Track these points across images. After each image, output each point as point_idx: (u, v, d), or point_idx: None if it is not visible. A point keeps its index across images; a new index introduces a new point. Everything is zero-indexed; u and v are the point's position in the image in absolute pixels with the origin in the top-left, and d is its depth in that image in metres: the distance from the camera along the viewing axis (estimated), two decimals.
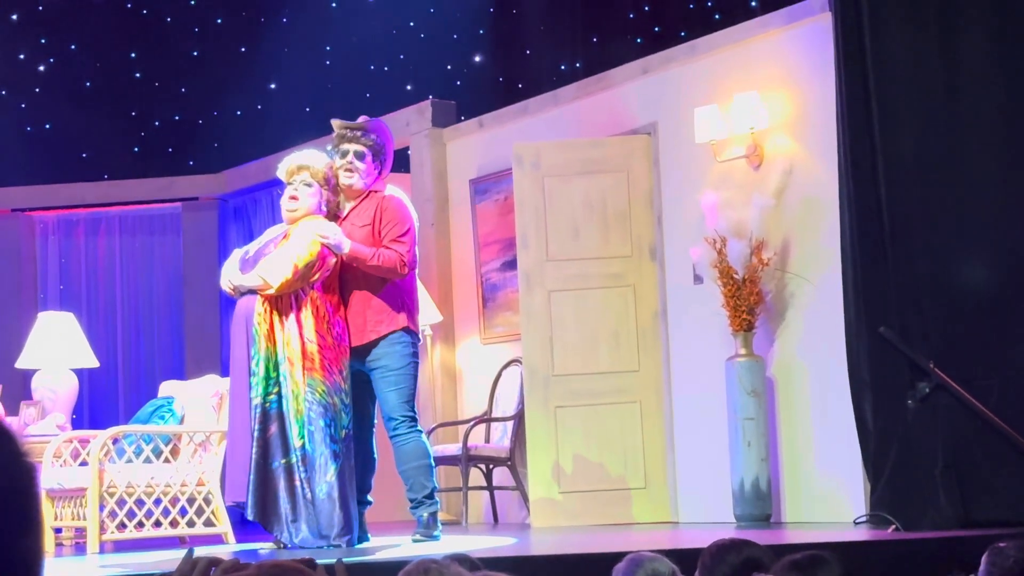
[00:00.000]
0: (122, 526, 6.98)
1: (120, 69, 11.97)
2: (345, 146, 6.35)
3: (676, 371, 7.90)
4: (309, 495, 6.00)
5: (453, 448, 8.37)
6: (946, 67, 6.44)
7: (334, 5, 12.03)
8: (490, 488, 8.59)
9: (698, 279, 7.68)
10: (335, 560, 2.70)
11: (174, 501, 7.14)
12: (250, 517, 6.08)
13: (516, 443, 8.34)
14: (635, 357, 7.96)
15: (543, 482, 7.91)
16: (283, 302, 6.11)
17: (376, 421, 6.46)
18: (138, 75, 12.05)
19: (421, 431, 6.34)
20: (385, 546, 6.18)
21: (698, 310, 7.69)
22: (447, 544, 6.15)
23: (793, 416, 7.29)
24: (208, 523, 7.19)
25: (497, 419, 8.57)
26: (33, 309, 10.47)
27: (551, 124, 8.66)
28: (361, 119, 6.43)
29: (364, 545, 6.21)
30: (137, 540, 7.08)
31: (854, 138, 6.49)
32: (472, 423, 8.47)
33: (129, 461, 7.08)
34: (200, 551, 2.50)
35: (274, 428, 6.04)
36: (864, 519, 6.56)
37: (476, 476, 8.57)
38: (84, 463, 7.11)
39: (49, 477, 7.14)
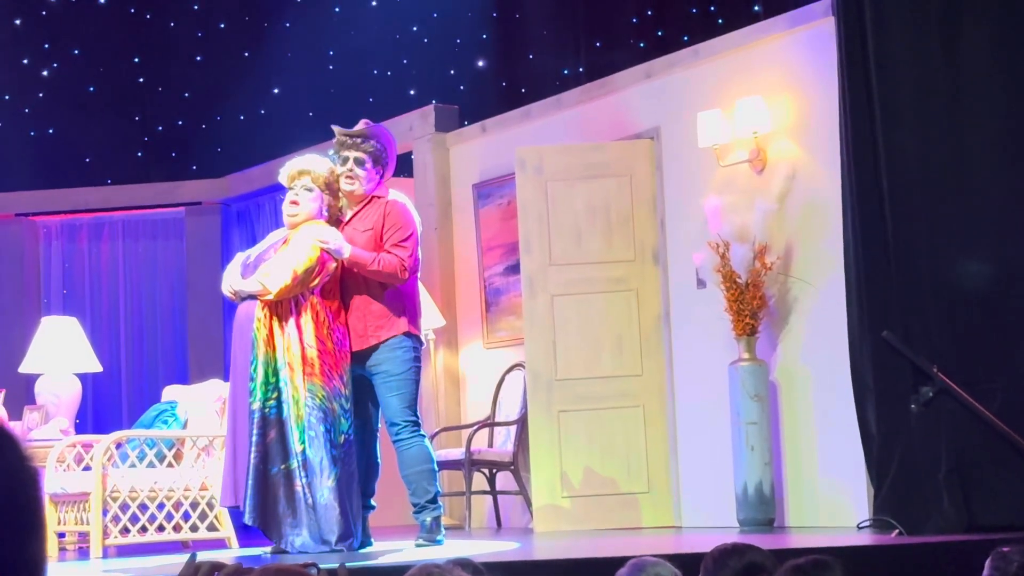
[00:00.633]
0: (125, 531, 6.98)
1: (123, 74, 11.99)
2: (345, 153, 6.34)
3: (679, 375, 7.90)
4: (310, 500, 6.00)
5: (456, 452, 8.37)
6: (949, 71, 6.44)
7: (337, 10, 12.04)
8: (493, 492, 8.58)
9: (701, 283, 7.68)
10: (338, 565, 2.70)
11: (177, 506, 7.14)
12: (248, 522, 6.07)
13: (519, 447, 8.34)
14: (638, 361, 7.96)
15: (546, 486, 7.90)
16: (283, 307, 6.10)
17: (379, 426, 6.45)
18: (141, 80, 12.07)
19: (424, 435, 6.34)
20: (388, 550, 6.18)
21: (701, 314, 7.69)
22: (450, 549, 6.15)
23: (796, 420, 7.29)
24: (211, 528, 7.19)
25: (500, 423, 8.57)
26: (36, 314, 10.47)
27: (554, 129, 8.66)
28: (362, 123, 6.42)
29: (367, 550, 6.20)
30: (140, 545, 7.08)
31: (857, 142, 6.49)
32: (475, 427, 8.47)
33: (132, 466, 7.08)
34: (203, 556, 2.50)
35: (273, 433, 6.03)
36: (867, 523, 6.55)
37: (479, 480, 8.57)
38: (87, 468, 7.11)
39: (52, 482, 7.14)
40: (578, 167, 8.08)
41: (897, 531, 6.10)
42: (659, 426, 7.93)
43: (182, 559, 6.50)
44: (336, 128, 6.43)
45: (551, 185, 8.08)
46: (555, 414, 7.94)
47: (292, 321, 6.08)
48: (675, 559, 3.21)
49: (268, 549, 6.26)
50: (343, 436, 6.08)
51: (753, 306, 7.23)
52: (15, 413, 8.69)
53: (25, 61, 11.87)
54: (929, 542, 5.78)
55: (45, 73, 11.91)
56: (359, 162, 6.32)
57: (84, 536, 7.31)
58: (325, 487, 6.00)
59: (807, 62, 7.29)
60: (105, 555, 6.85)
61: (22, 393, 9.53)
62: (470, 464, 8.26)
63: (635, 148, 8.12)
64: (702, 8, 11.76)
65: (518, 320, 8.49)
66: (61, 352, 8.71)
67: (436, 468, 6.37)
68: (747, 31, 7.73)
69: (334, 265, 6.17)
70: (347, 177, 6.32)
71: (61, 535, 7.44)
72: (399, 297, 6.28)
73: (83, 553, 7.32)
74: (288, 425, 6.03)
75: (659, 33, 11.76)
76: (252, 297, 6.14)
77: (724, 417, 7.35)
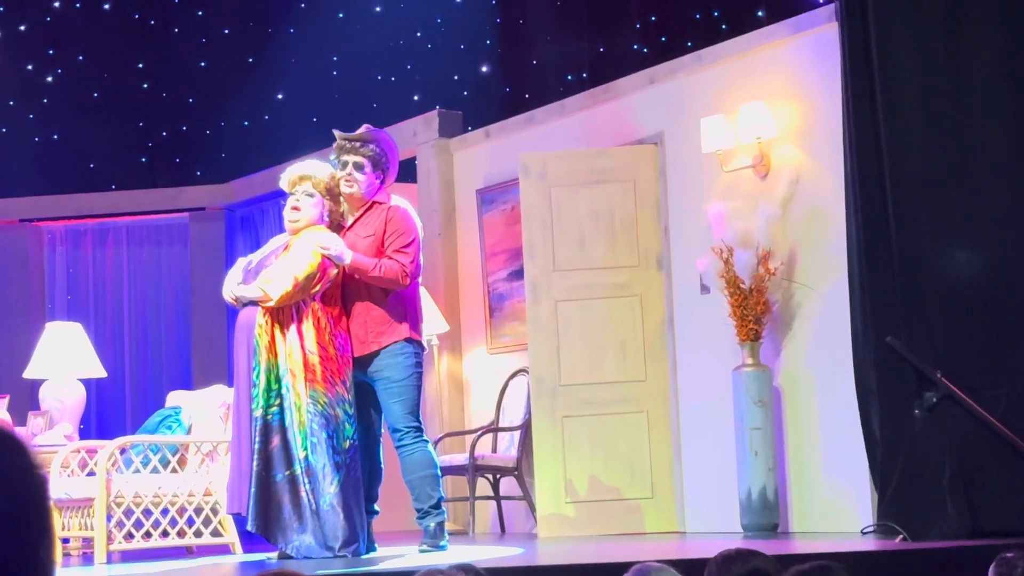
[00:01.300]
0: (129, 536, 6.99)
1: (128, 80, 12.00)
2: (345, 157, 6.37)
3: (683, 381, 7.90)
4: (314, 506, 6.00)
5: (460, 458, 8.37)
6: (953, 76, 6.45)
7: (341, 16, 12.05)
8: (497, 498, 8.58)
9: (705, 289, 7.68)
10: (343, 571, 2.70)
11: (181, 511, 7.14)
12: (250, 529, 6.07)
13: (523, 453, 8.34)
14: (642, 367, 7.96)
15: (550, 492, 7.90)
16: (284, 314, 6.11)
17: (382, 431, 6.46)
18: (145, 86, 12.08)
19: (427, 441, 6.34)
20: (392, 556, 6.18)
21: (705, 320, 7.69)
22: (454, 554, 6.16)
23: (800, 426, 7.29)
24: (215, 533, 7.19)
25: (504, 429, 8.57)
26: (41, 319, 10.49)
27: (558, 134, 8.67)
28: (363, 128, 6.44)
29: (371, 555, 6.20)
30: (144, 550, 7.08)
31: (861, 148, 6.49)
32: (479, 433, 8.47)
33: (136, 471, 7.09)
34: (207, 561, 2.50)
35: (276, 440, 6.03)
36: (871, 529, 6.55)
37: (483, 486, 8.57)
38: (91, 473, 7.12)
39: (56, 487, 7.15)
40: (582, 172, 8.08)
41: (901, 536, 6.09)
42: (663, 431, 7.93)
43: (186, 564, 6.50)
44: (336, 132, 6.45)
45: (555, 191, 8.09)
46: (559, 419, 7.94)
47: (293, 327, 6.08)
48: (679, 564, 3.22)
49: (273, 555, 6.26)
50: (347, 442, 6.08)
51: (757, 311, 7.23)
52: (19, 418, 8.70)
53: (30, 67, 11.89)
54: (933, 547, 5.78)
55: (49, 79, 11.92)
56: (358, 166, 6.33)
57: (88, 542, 7.32)
58: (328, 493, 6.00)
59: (810, 68, 7.29)
60: (109, 560, 6.85)
61: (26, 398, 9.54)
62: (474, 469, 8.26)
63: (639, 153, 8.13)
64: (705, 14, 11.76)
65: (522, 325, 8.50)
66: (65, 357, 8.72)
67: (439, 473, 6.37)
68: (750, 37, 7.74)
69: (335, 271, 6.17)
70: (346, 181, 6.33)
71: (65, 540, 7.45)
72: (400, 303, 6.28)
73: (87, 559, 7.32)
74: (291, 431, 6.03)
75: (663, 39, 11.77)
76: (253, 303, 6.15)
77: (728, 422, 7.35)
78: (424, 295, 8.71)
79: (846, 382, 6.63)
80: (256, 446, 5.99)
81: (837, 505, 7.05)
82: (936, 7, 6.48)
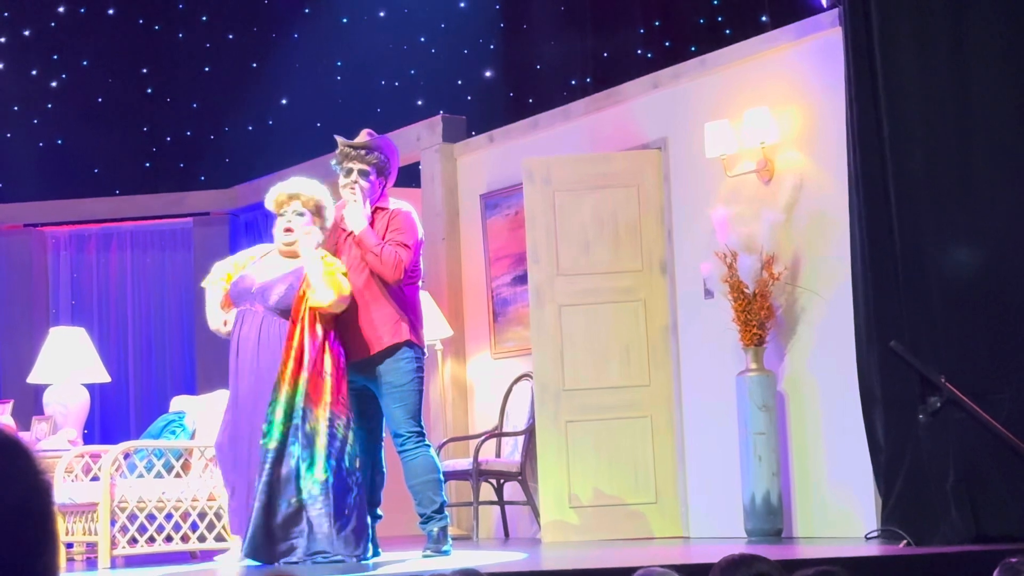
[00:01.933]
0: (133, 541, 6.99)
1: (132, 85, 12.02)
2: (348, 164, 6.36)
3: (687, 385, 7.89)
4: (325, 529, 5.95)
5: (464, 463, 8.37)
6: (957, 81, 6.44)
7: (345, 21, 12.07)
8: (501, 503, 8.58)
9: (708, 294, 7.68)
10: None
11: (185, 516, 7.14)
12: (245, 555, 6.01)
13: (527, 458, 8.34)
14: (646, 372, 7.96)
15: (554, 497, 7.90)
16: (306, 336, 6.06)
17: (384, 435, 6.46)
18: (150, 91, 12.10)
19: (429, 445, 6.33)
20: (395, 561, 6.18)
21: (709, 324, 7.69)
22: (457, 559, 6.15)
23: (804, 431, 7.29)
24: (219, 538, 7.19)
25: (508, 434, 8.57)
26: (45, 324, 10.50)
27: (561, 139, 8.67)
28: (364, 134, 6.44)
29: (374, 560, 6.20)
30: (148, 555, 7.08)
31: (864, 152, 6.49)
32: (483, 438, 8.47)
33: (140, 476, 7.09)
34: (210, 566, 2.50)
35: (285, 469, 5.98)
36: (875, 534, 6.54)
37: (487, 491, 8.57)
38: (95, 478, 7.12)
39: (60, 492, 7.15)
40: (586, 177, 8.09)
41: (905, 541, 6.09)
42: (667, 436, 7.92)
43: (189, 570, 6.49)
44: (339, 139, 6.43)
45: (559, 195, 8.09)
46: (563, 424, 7.94)
47: (312, 349, 6.05)
48: (683, 569, 3.21)
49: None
50: (358, 460, 6.07)
51: (761, 316, 7.23)
52: (23, 423, 8.70)
53: (34, 72, 11.90)
54: (937, 552, 5.78)
55: (54, 84, 11.94)
56: (363, 173, 6.33)
57: (92, 546, 7.32)
58: (345, 515, 5.97)
59: (814, 73, 7.29)
60: (113, 565, 6.85)
61: (30, 403, 9.55)
62: (478, 474, 8.26)
63: (642, 158, 8.13)
64: (709, 19, 11.77)
65: (526, 330, 8.50)
66: (69, 362, 8.72)
67: (442, 478, 6.36)
68: (754, 41, 7.74)
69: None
70: (350, 188, 6.33)
71: (69, 545, 7.45)
72: (401, 306, 6.28)
73: (91, 563, 7.32)
74: (304, 457, 5.97)
75: (666, 43, 11.78)
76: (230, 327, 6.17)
77: (732, 427, 7.35)
78: (428, 300, 8.74)
79: (850, 387, 6.63)
80: (265, 477, 5.94)
81: (841, 510, 7.04)
82: (940, 12, 6.48)
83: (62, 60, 11.97)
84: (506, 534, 8.59)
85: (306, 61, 11.92)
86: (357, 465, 6.04)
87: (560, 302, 8.01)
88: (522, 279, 8.57)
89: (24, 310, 10.99)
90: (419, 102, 11.64)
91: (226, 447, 6.17)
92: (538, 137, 8.85)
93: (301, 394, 5.99)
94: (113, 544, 6.88)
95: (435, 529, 6.25)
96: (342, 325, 6.23)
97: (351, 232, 6.36)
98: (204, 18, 12.16)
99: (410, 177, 9.85)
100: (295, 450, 5.97)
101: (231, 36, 12.19)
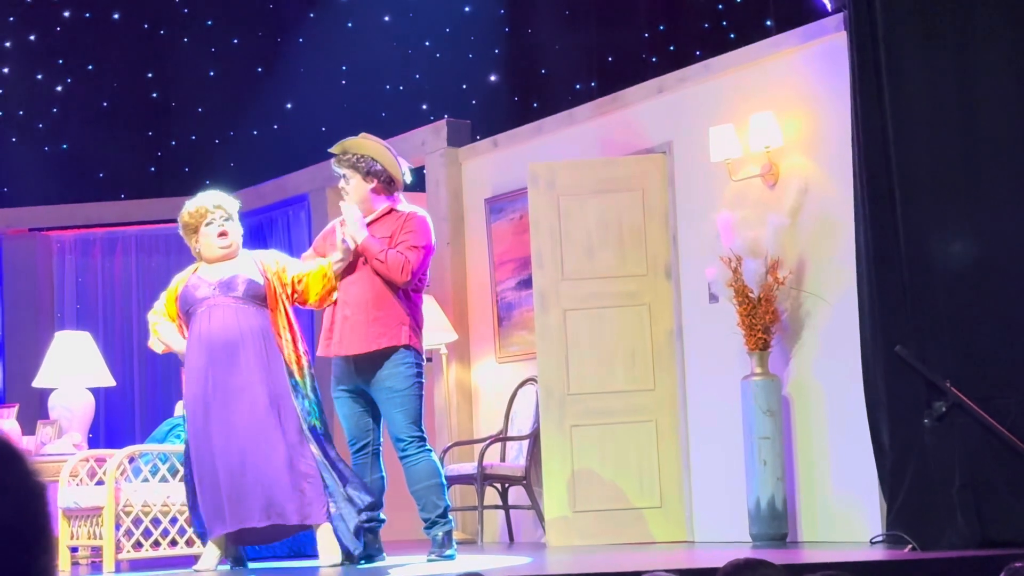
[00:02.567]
0: (138, 545, 6.99)
1: (137, 89, 12.03)
2: (336, 170, 6.51)
3: (691, 390, 7.89)
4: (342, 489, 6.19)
5: (468, 467, 8.37)
6: (963, 85, 6.44)
7: (350, 25, 12.07)
8: (505, 507, 8.58)
9: (713, 298, 7.67)
10: None
11: (190, 520, 7.14)
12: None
13: (531, 462, 8.33)
14: (650, 376, 7.96)
15: (558, 501, 7.90)
16: (284, 321, 6.20)
17: (382, 439, 6.46)
18: (155, 95, 12.11)
19: (430, 450, 6.33)
20: (400, 564, 6.18)
21: (713, 329, 7.69)
22: (462, 563, 6.15)
23: (809, 435, 7.28)
24: None
25: (512, 438, 8.56)
26: (50, 328, 10.50)
27: (566, 143, 8.67)
28: (360, 136, 6.51)
29: (379, 564, 6.21)
30: (153, 559, 7.08)
31: (869, 157, 6.49)
32: (488, 442, 8.47)
33: (145, 480, 7.09)
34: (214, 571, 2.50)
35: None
36: (881, 539, 6.53)
37: (491, 495, 8.57)
38: (100, 482, 7.12)
39: (65, 496, 7.16)
40: (590, 182, 8.09)
41: (910, 546, 6.08)
42: (671, 441, 7.92)
43: (194, 574, 6.48)
44: (331, 149, 6.56)
45: (563, 200, 8.09)
46: (567, 429, 7.93)
47: (292, 332, 6.25)
48: (687, 574, 3.21)
49: (281, 564, 6.25)
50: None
51: (765, 321, 7.22)
52: (29, 427, 8.71)
53: (39, 76, 11.92)
54: (942, 557, 5.77)
55: (59, 88, 11.95)
56: (346, 178, 6.44)
57: (97, 551, 7.32)
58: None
59: (819, 77, 7.29)
60: (118, 569, 6.85)
61: (35, 407, 9.56)
62: (482, 479, 8.26)
63: (647, 163, 8.13)
64: (714, 23, 11.77)
65: (530, 335, 8.50)
66: (74, 367, 8.73)
67: (445, 482, 6.37)
68: (759, 46, 7.74)
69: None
70: (343, 191, 6.42)
71: (74, 549, 7.45)
72: (404, 309, 6.29)
73: (96, 568, 7.33)
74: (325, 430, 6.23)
75: (671, 48, 11.78)
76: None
77: (737, 432, 7.34)
78: (433, 304, 8.74)
79: (855, 391, 6.62)
80: (329, 452, 6.17)
81: (846, 515, 7.03)
82: (945, 16, 6.48)
83: (67, 65, 11.98)
84: (511, 538, 8.59)
85: (311, 66, 11.93)
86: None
87: (565, 306, 8.01)
88: (527, 283, 8.57)
89: (29, 314, 11.00)
90: (424, 106, 11.65)
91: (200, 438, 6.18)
92: (543, 141, 8.86)
93: (304, 372, 6.21)
94: (118, 548, 6.88)
95: (439, 533, 6.25)
96: (344, 321, 6.26)
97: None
98: (209, 23, 12.17)
99: (415, 182, 9.84)
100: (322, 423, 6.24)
101: (236, 41, 12.20)
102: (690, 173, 7.93)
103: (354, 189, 6.40)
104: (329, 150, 6.53)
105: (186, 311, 6.30)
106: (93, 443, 9.27)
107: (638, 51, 11.86)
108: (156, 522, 7.04)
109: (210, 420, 6.10)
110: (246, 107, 11.73)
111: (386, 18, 12.11)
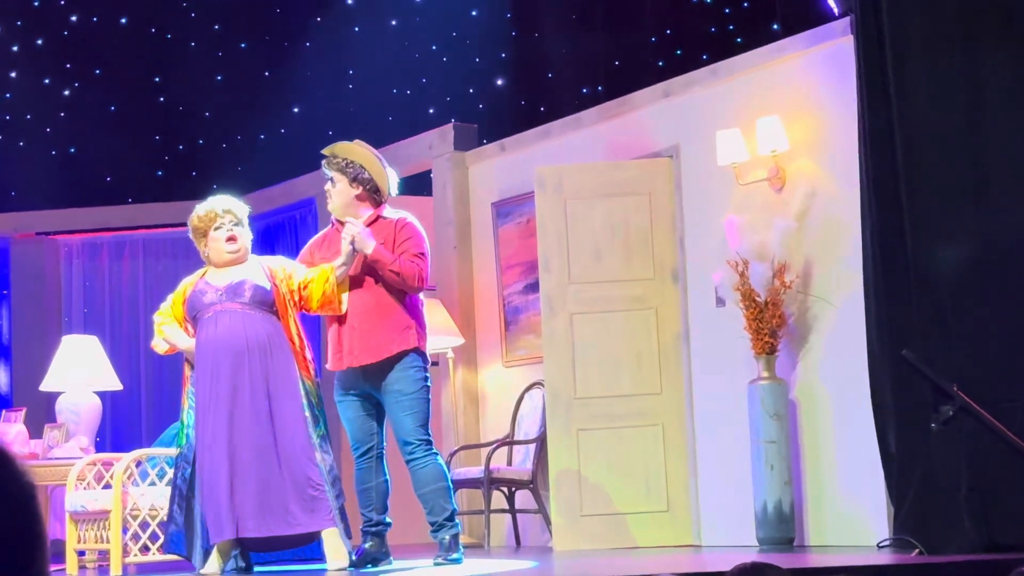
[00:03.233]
0: (145, 549, 7.00)
1: (144, 93, 12.05)
2: (324, 171, 6.53)
3: (698, 394, 7.89)
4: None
5: (475, 471, 8.37)
6: (969, 88, 6.43)
7: (357, 29, 12.09)
8: (512, 511, 8.58)
9: (720, 302, 7.67)
10: None
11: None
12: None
13: (538, 466, 8.33)
14: (657, 380, 7.96)
15: (565, 505, 7.90)
16: (293, 327, 6.20)
17: (386, 443, 6.47)
18: (162, 99, 12.13)
19: (437, 453, 6.34)
20: (407, 568, 6.18)
21: (720, 333, 7.68)
22: (469, 567, 6.16)
23: (816, 439, 7.27)
24: None
25: (519, 442, 8.57)
26: (57, 332, 10.52)
27: (573, 147, 8.67)
28: (354, 143, 6.53)
29: (386, 568, 6.21)
30: (160, 563, 7.09)
31: (876, 160, 6.48)
32: (494, 446, 8.47)
33: (152, 484, 7.10)
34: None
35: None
36: (887, 543, 6.52)
37: (498, 499, 8.56)
38: (107, 486, 7.14)
39: (72, 500, 7.17)
40: (597, 186, 8.09)
41: (917, 550, 6.07)
42: (678, 444, 7.92)
43: None
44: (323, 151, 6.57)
45: (570, 204, 8.09)
46: (574, 433, 7.93)
47: (300, 334, 6.26)
48: None
49: (285, 567, 6.25)
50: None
51: (772, 324, 7.22)
52: (36, 431, 8.72)
53: (47, 81, 11.94)
54: (949, 561, 5.76)
55: (67, 93, 11.98)
56: (332, 181, 6.45)
57: (104, 554, 7.33)
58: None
59: (826, 81, 7.29)
60: (125, 573, 6.87)
61: (43, 411, 9.57)
62: (489, 482, 8.26)
63: (654, 167, 8.13)
64: (721, 27, 11.77)
65: (537, 339, 8.50)
66: (82, 370, 8.74)
67: (451, 486, 6.37)
68: (766, 50, 7.73)
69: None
70: (328, 195, 6.47)
71: (81, 553, 7.46)
72: (410, 313, 6.30)
73: (103, 571, 7.33)
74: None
75: (678, 52, 11.78)
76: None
77: (743, 436, 7.34)
78: (439, 308, 8.75)
79: (862, 395, 6.62)
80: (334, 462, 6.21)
81: (853, 519, 7.03)
82: (951, 19, 6.47)
83: (75, 69, 12.01)
84: (517, 542, 8.59)
85: (318, 70, 11.94)
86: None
87: (572, 310, 8.01)
88: (534, 287, 8.58)
89: (37, 318, 11.02)
90: (431, 110, 11.66)
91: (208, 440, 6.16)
92: (550, 145, 8.86)
93: (311, 379, 6.25)
94: (125, 552, 6.89)
95: (446, 537, 6.25)
96: (352, 332, 6.25)
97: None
98: (216, 27, 12.19)
99: (421, 185, 9.87)
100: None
101: (243, 45, 12.22)
102: (697, 177, 7.93)
103: (338, 193, 6.41)
104: (321, 152, 6.54)
105: (193, 316, 6.31)
106: (100, 447, 9.29)
107: (645, 55, 11.87)
108: (163, 525, 7.05)
109: (216, 427, 6.09)
110: (253, 111, 11.75)
111: (393, 22, 12.13)
